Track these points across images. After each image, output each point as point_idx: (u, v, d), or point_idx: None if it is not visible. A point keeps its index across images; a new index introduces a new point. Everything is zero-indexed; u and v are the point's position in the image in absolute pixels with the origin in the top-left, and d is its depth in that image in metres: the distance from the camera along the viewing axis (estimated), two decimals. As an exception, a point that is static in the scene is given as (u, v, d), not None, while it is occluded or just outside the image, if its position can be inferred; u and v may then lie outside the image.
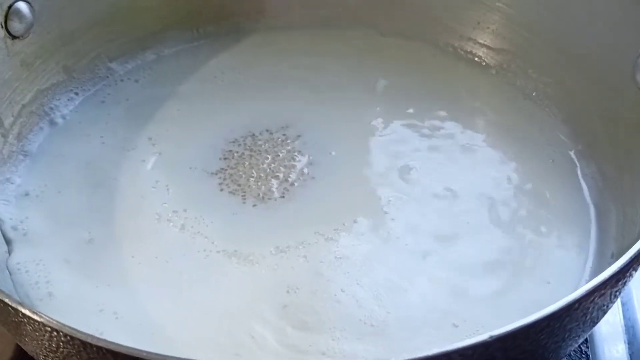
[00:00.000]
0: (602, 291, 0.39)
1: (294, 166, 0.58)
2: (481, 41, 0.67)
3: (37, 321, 0.38)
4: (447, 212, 0.56)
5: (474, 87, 0.65)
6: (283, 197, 0.56)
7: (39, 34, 0.60)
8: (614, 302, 0.43)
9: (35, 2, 0.58)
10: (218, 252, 0.53)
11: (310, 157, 0.59)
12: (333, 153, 0.60)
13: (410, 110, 0.63)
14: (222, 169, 0.58)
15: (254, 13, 0.69)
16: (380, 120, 0.62)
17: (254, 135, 0.61)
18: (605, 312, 0.44)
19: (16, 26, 0.57)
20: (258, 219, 0.55)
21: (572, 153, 0.60)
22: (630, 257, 0.40)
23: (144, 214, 0.55)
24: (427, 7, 0.68)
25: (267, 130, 0.61)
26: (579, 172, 0.59)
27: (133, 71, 0.66)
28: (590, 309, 0.39)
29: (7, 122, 0.58)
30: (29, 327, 0.39)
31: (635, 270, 0.42)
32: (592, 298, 0.38)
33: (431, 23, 0.68)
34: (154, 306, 0.49)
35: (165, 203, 0.55)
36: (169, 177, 0.57)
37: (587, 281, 0.51)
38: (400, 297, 0.50)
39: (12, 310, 0.39)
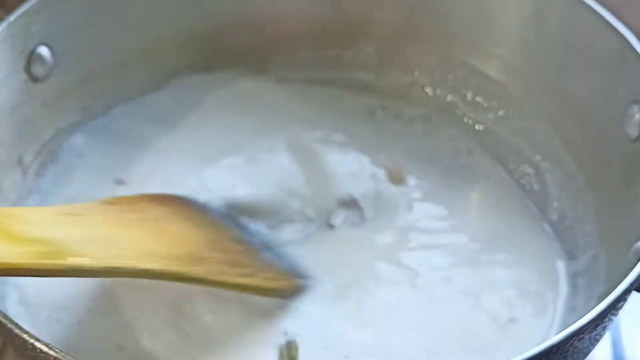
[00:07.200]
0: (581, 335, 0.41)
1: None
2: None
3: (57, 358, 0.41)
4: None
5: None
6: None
7: (59, 76, 0.62)
8: (594, 345, 0.46)
9: (57, 47, 0.61)
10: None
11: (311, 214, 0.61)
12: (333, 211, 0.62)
13: (407, 167, 0.65)
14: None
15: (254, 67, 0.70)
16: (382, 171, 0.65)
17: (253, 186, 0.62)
18: (586, 354, 0.46)
19: (38, 70, 0.60)
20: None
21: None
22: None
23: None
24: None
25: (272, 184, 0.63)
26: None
27: (146, 110, 0.67)
28: (570, 351, 0.42)
29: (27, 159, 0.61)
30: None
31: (615, 314, 0.45)
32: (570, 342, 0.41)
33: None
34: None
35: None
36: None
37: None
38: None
39: (30, 346, 0.42)
